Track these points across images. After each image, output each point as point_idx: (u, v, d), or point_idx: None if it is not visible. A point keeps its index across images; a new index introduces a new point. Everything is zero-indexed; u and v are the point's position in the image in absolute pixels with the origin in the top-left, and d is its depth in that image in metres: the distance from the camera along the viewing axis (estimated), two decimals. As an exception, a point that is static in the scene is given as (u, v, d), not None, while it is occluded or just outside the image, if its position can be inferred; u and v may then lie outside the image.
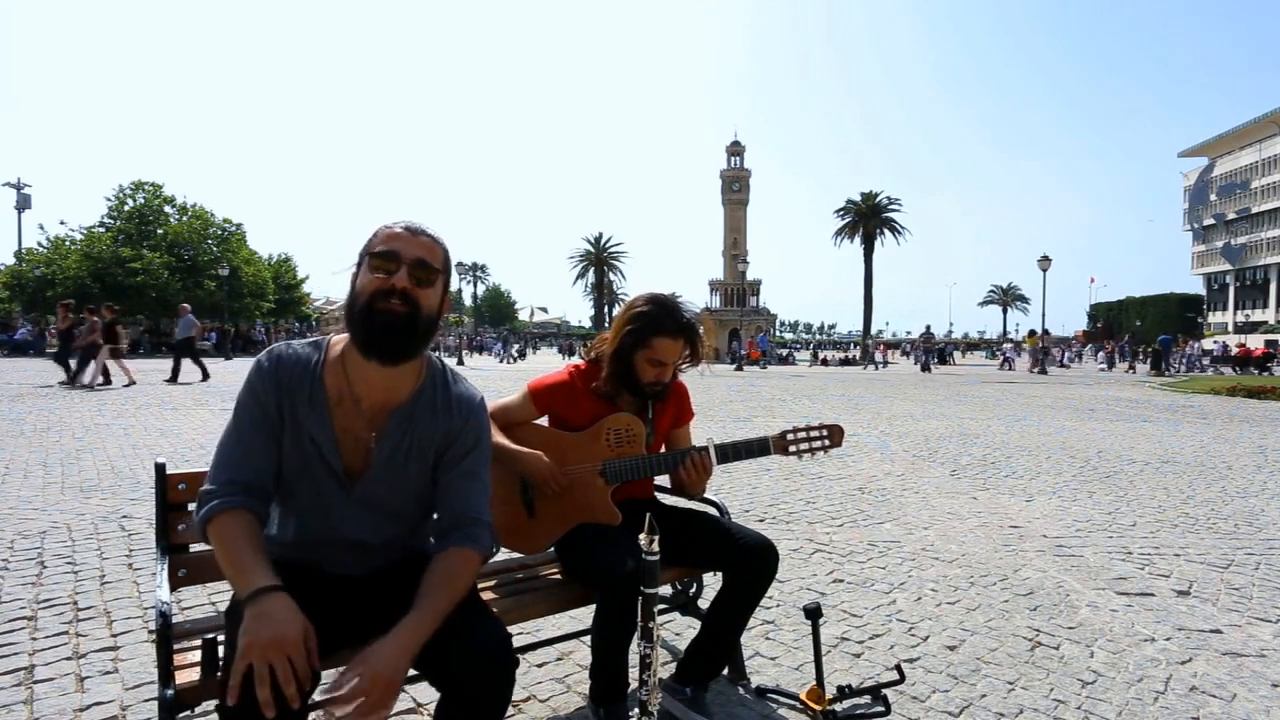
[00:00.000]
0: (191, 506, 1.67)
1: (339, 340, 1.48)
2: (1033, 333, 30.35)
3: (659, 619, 1.44)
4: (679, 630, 2.66)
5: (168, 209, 35.25)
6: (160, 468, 1.64)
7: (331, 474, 1.43)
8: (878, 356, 34.50)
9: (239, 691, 1.12)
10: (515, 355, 36.05)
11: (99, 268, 30.99)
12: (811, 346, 51.57)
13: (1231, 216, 72.05)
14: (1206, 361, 31.22)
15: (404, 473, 1.47)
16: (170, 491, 1.63)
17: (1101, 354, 30.86)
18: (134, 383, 12.77)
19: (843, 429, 2.10)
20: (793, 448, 2.05)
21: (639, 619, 1.41)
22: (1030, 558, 3.62)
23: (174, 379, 13.86)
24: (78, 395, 11.05)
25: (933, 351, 29.14)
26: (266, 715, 1.10)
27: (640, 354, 2.00)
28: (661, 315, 2.00)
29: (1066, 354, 33.43)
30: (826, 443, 2.07)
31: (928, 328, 29.85)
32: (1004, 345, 35.60)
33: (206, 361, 15.42)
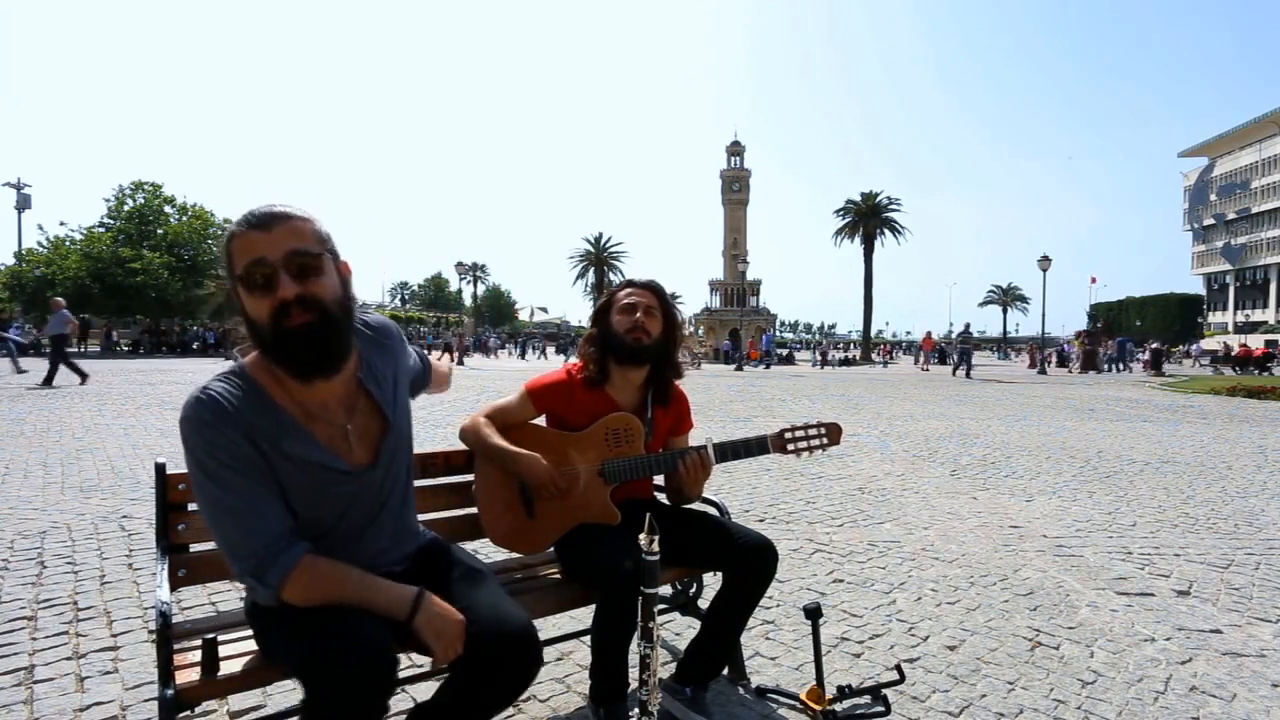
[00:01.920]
0: (192, 507, 1.68)
1: (255, 359, 1.34)
2: (1080, 334, 29.48)
3: (659, 619, 1.44)
4: (679, 630, 2.66)
5: (168, 209, 35.20)
6: (160, 468, 1.64)
7: (347, 475, 1.40)
8: (876, 356, 34.21)
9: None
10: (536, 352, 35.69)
11: (99, 268, 30.96)
12: (813, 348, 51.09)
13: (1231, 216, 72.09)
14: (1191, 363, 30.46)
15: (404, 411, 1.54)
16: (170, 491, 1.63)
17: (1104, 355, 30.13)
18: None
19: (841, 427, 2.10)
20: (791, 446, 2.05)
21: (639, 619, 1.41)
22: (1030, 558, 3.62)
23: (48, 382, 12.49)
24: (78, 395, 11.05)
25: (969, 352, 23.15)
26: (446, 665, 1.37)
27: (612, 311, 2.11)
28: (624, 281, 2.21)
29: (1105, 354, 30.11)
30: (825, 441, 2.07)
31: (967, 325, 24.30)
32: (956, 344, 34.09)
33: (207, 362, 15.16)
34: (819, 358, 33.66)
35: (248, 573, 1.29)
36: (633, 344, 2.05)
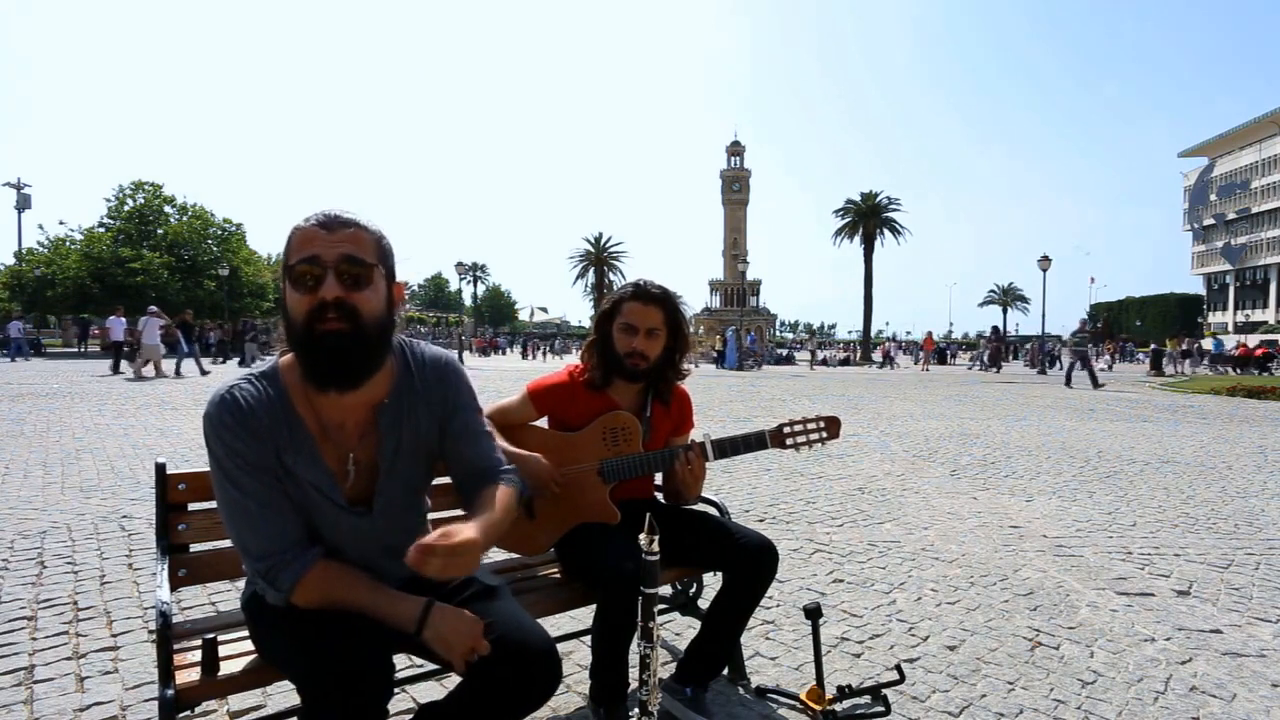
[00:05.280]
0: (193, 507, 1.68)
1: (289, 362, 1.33)
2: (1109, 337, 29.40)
3: (659, 619, 1.44)
4: (679, 630, 2.66)
5: (168, 209, 35.27)
6: (160, 468, 1.64)
7: (340, 509, 1.37)
8: (877, 357, 34.10)
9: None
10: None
11: (99, 268, 30.98)
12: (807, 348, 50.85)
13: (1231, 216, 72.08)
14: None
15: (414, 464, 1.45)
16: (170, 491, 1.63)
17: (1105, 355, 29.89)
18: None
19: (839, 420, 2.10)
20: (790, 440, 2.05)
21: (639, 619, 1.41)
22: (1030, 558, 3.62)
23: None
24: (78, 395, 11.05)
25: (1086, 355, 17.42)
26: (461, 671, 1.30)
27: (614, 325, 2.06)
28: (629, 287, 2.10)
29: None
30: (824, 434, 2.08)
31: (1083, 322, 18.80)
32: (886, 344, 32.61)
33: (207, 363, 15.18)
34: (820, 359, 33.40)
35: (260, 575, 1.30)
36: (630, 369, 2.04)
